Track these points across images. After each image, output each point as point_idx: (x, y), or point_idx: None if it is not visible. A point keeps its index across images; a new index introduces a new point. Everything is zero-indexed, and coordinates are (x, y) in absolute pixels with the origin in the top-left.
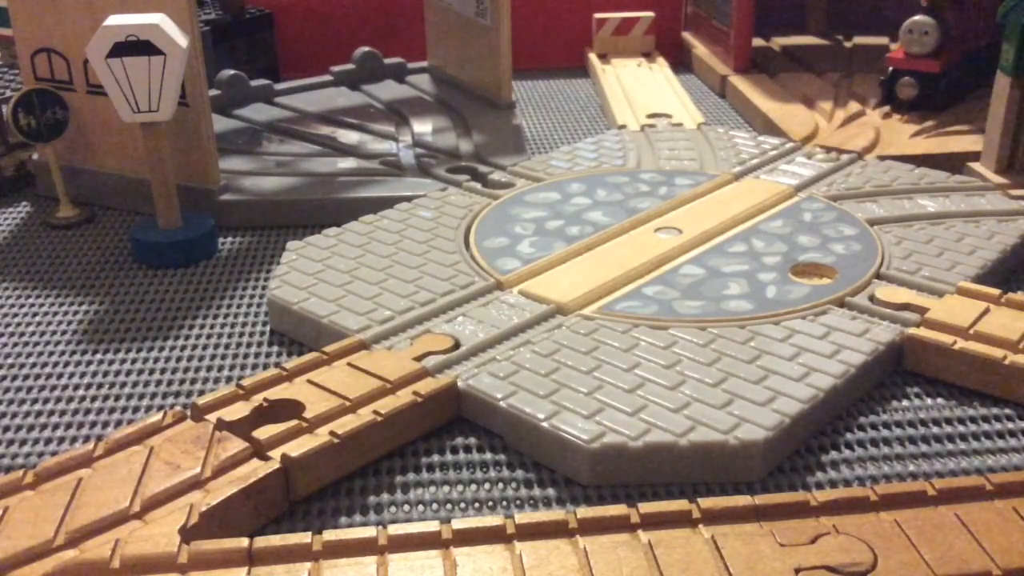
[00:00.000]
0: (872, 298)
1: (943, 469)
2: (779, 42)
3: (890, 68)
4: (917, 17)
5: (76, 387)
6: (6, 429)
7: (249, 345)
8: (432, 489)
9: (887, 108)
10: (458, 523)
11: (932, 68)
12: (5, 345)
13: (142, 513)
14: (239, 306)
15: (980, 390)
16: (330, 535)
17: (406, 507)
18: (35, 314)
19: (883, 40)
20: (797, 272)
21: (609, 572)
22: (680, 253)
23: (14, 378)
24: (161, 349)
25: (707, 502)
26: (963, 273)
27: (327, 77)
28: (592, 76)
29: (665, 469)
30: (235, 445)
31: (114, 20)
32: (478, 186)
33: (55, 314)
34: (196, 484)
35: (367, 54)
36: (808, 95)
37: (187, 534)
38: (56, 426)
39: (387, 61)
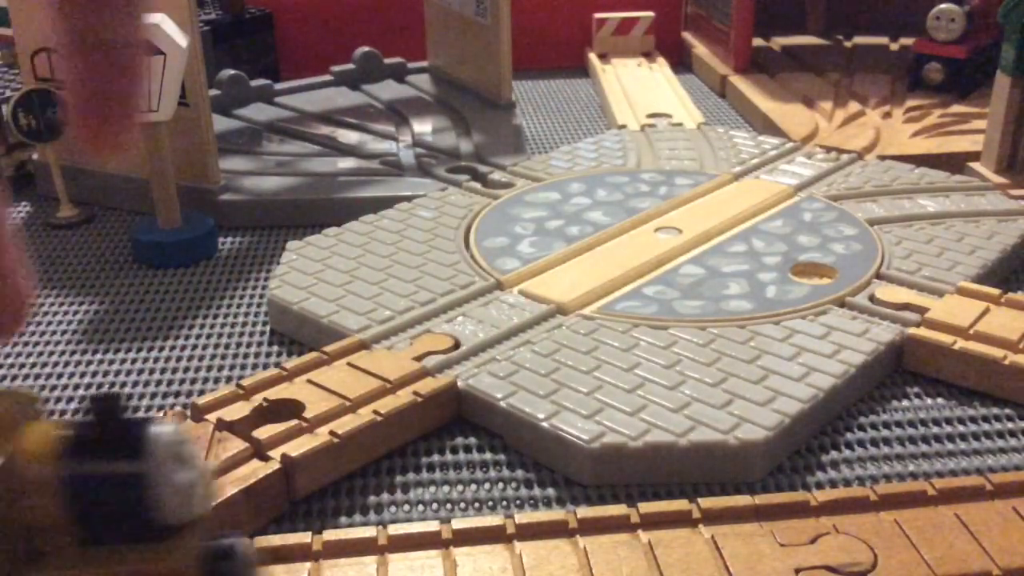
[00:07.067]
0: (872, 298)
1: (943, 469)
2: (779, 42)
3: (915, 54)
4: (944, 5)
5: (76, 387)
6: None
7: (249, 345)
8: (432, 489)
9: (888, 108)
10: (458, 523)
11: (958, 54)
12: (5, 345)
13: None
14: (239, 306)
15: (980, 390)
16: (330, 535)
17: (406, 507)
18: (35, 314)
19: (883, 40)
20: (797, 272)
21: (609, 572)
22: (680, 253)
23: (14, 378)
24: (161, 349)
25: (707, 502)
26: (963, 273)
27: (327, 77)
28: (592, 76)
29: (665, 469)
30: (235, 445)
31: None
32: (478, 186)
33: (55, 314)
34: None
35: (367, 54)
36: (808, 95)
37: None
38: None
39: (387, 61)
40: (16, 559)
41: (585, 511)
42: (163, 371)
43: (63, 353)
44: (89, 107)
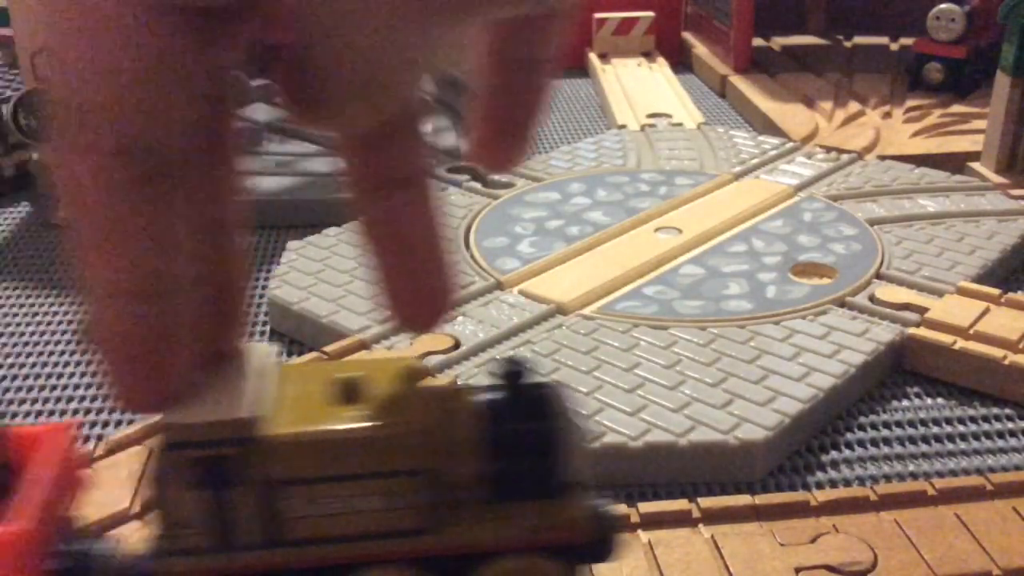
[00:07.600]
0: (872, 298)
1: (943, 469)
2: (779, 42)
3: (915, 54)
4: (944, 5)
5: (76, 387)
6: None
7: None
8: None
9: (888, 108)
10: None
11: (958, 54)
12: (5, 345)
13: (142, 513)
14: None
15: (980, 390)
16: None
17: None
18: (35, 314)
19: (883, 40)
20: (797, 272)
21: (609, 572)
22: (680, 253)
23: (14, 378)
24: None
25: (707, 502)
26: (963, 273)
27: None
28: (592, 76)
29: (665, 469)
30: None
31: None
32: (478, 186)
33: (55, 314)
34: None
35: None
36: (808, 95)
37: None
38: None
39: None
40: (438, 509)
41: None
42: None
43: (63, 353)
44: (499, 122)
